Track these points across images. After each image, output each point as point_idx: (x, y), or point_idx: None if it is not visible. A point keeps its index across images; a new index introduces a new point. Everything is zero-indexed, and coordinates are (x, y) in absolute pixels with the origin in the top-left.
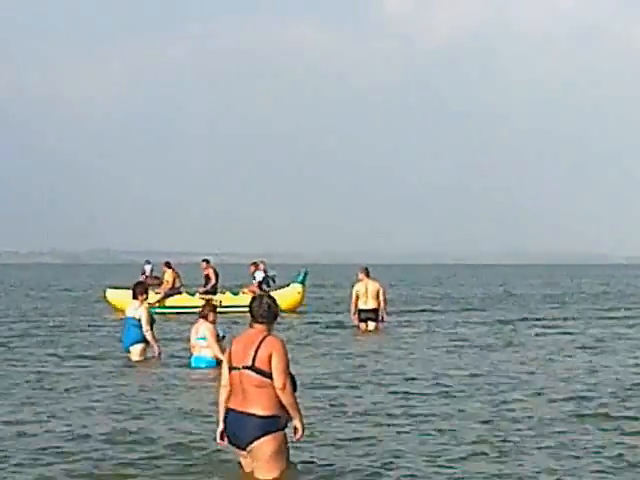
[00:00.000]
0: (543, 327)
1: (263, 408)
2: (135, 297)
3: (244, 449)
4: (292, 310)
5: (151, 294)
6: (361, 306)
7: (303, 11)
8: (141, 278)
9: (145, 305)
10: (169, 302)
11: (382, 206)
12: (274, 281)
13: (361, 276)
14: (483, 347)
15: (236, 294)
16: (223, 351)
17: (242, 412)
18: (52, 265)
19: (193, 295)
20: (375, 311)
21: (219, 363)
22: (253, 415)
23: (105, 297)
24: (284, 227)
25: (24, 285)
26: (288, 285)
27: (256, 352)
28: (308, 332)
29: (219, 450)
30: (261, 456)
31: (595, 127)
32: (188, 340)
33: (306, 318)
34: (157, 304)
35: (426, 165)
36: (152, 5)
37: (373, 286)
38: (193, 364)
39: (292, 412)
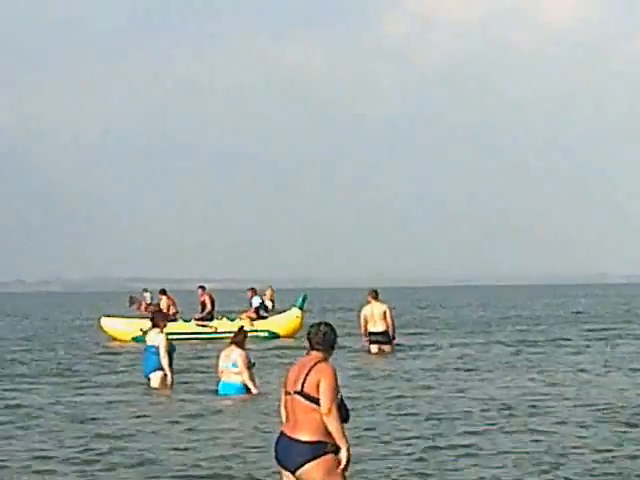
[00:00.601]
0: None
1: (310, 434)
2: (155, 325)
3: (293, 473)
4: (292, 335)
5: (146, 322)
6: (370, 329)
7: (301, 34)
8: (134, 307)
9: (164, 333)
10: (167, 329)
11: (386, 229)
12: (272, 309)
13: (369, 299)
14: (501, 369)
15: (233, 320)
16: (253, 379)
17: (291, 438)
18: (56, 293)
19: (189, 322)
20: (384, 333)
21: (248, 390)
22: (299, 441)
23: (100, 325)
24: (295, 251)
25: (31, 314)
26: (287, 310)
27: (306, 377)
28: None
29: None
30: None
31: (594, 145)
32: (195, 367)
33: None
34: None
35: (423, 187)
36: (147, 40)
37: (380, 308)
38: (221, 391)
39: (337, 439)
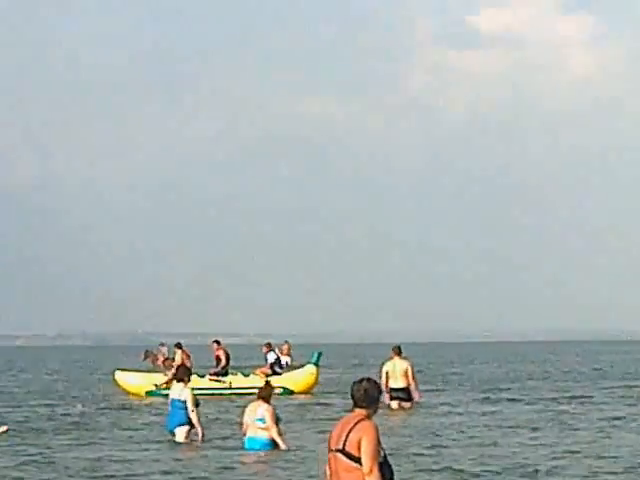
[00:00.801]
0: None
1: None
2: (180, 380)
3: None
4: (306, 391)
5: (160, 376)
6: (391, 385)
7: (319, 88)
8: (147, 361)
9: (189, 387)
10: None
11: (409, 285)
12: (287, 365)
13: (392, 354)
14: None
15: (247, 376)
16: (281, 434)
17: None
18: (80, 347)
19: (203, 377)
20: (405, 390)
21: (275, 445)
22: None
23: (114, 379)
24: (319, 306)
25: (52, 368)
26: (302, 366)
27: (348, 435)
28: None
29: None
30: None
31: (618, 198)
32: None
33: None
34: (165, 385)
35: (443, 239)
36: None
37: (402, 365)
38: (247, 445)
39: None
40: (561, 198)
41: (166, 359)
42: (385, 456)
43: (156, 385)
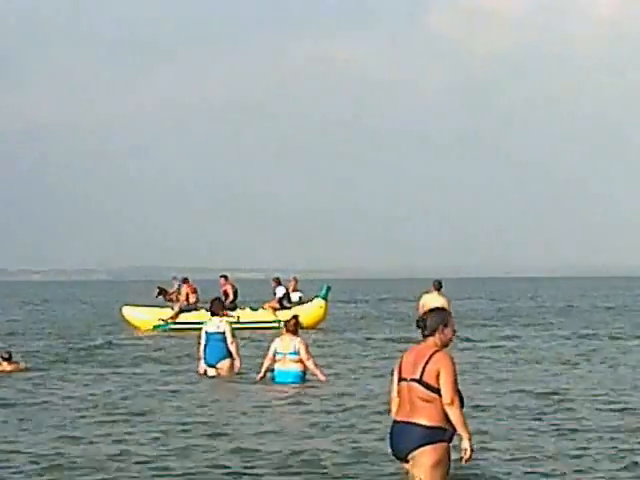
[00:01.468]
0: None
1: (429, 419)
2: (215, 314)
3: (406, 460)
4: (315, 326)
5: (167, 310)
6: None
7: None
8: (161, 297)
9: (226, 320)
10: (183, 318)
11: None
12: (300, 300)
13: (431, 289)
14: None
15: (256, 310)
16: (316, 365)
17: (407, 422)
18: (100, 282)
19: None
20: None
21: (304, 377)
22: (418, 425)
23: (121, 314)
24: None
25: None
26: (310, 300)
27: (425, 366)
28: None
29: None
30: (421, 465)
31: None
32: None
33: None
34: (170, 320)
35: (474, 177)
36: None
37: (437, 301)
38: (278, 378)
39: (460, 429)
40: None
41: (172, 293)
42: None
43: (163, 319)
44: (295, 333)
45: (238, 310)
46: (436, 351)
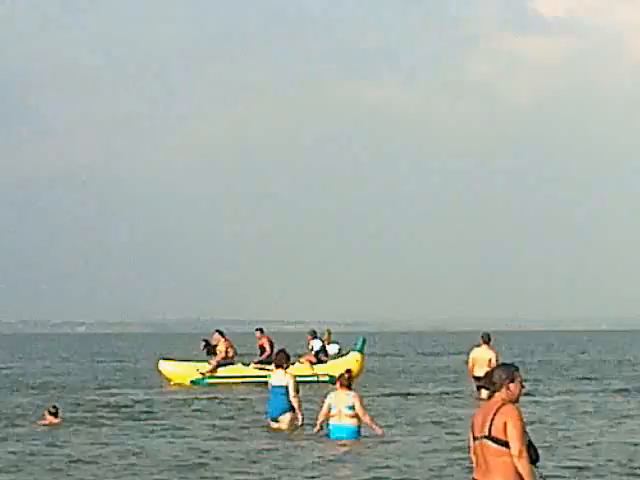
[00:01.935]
0: None
1: (503, 477)
2: (279, 366)
3: None
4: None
5: (204, 364)
6: (477, 373)
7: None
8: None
9: (290, 373)
10: (222, 372)
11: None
12: (339, 353)
13: (480, 342)
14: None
15: (293, 364)
16: (372, 420)
17: None
18: (141, 334)
19: (248, 365)
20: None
21: (360, 432)
22: None
23: (157, 368)
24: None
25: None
26: (347, 354)
27: (492, 421)
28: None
29: None
30: None
31: None
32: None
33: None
34: (208, 374)
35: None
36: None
37: (487, 354)
38: (334, 434)
39: None
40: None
41: (214, 346)
42: (529, 438)
43: (202, 373)
44: (349, 387)
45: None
46: (502, 404)
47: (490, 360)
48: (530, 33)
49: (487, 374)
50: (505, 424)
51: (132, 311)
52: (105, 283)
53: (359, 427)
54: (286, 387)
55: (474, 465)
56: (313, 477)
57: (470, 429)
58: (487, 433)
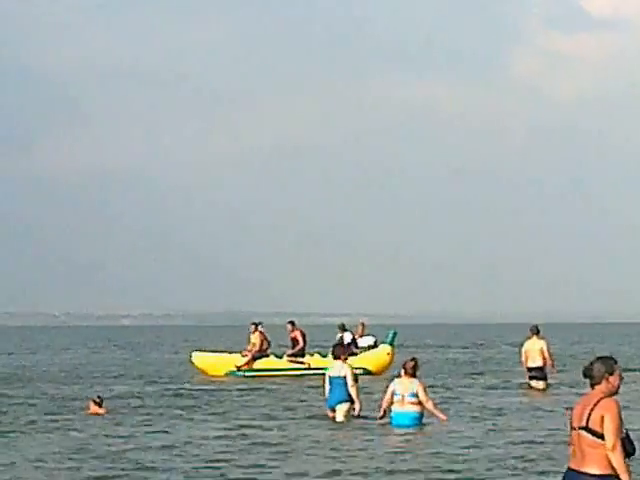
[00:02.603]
0: None
1: (599, 467)
2: (337, 357)
3: None
4: (381, 372)
5: (238, 357)
6: (529, 364)
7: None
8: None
9: (348, 364)
10: (258, 365)
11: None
12: (375, 345)
13: (529, 334)
14: None
15: (325, 356)
16: (436, 406)
17: (579, 471)
18: (183, 326)
19: (281, 358)
20: (540, 369)
21: (422, 419)
22: (587, 474)
23: (191, 360)
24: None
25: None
26: (377, 346)
27: (590, 413)
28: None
29: None
30: None
31: None
32: None
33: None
34: (245, 367)
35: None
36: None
37: (537, 344)
38: (396, 420)
39: (621, 475)
40: None
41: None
42: (627, 432)
43: (237, 366)
44: (414, 375)
45: (307, 356)
46: (602, 398)
47: (541, 350)
48: (577, 31)
49: (587, 367)
50: (602, 417)
51: (175, 304)
52: (148, 276)
53: (421, 414)
54: (344, 377)
55: (570, 454)
56: (375, 467)
57: (570, 418)
58: (584, 424)
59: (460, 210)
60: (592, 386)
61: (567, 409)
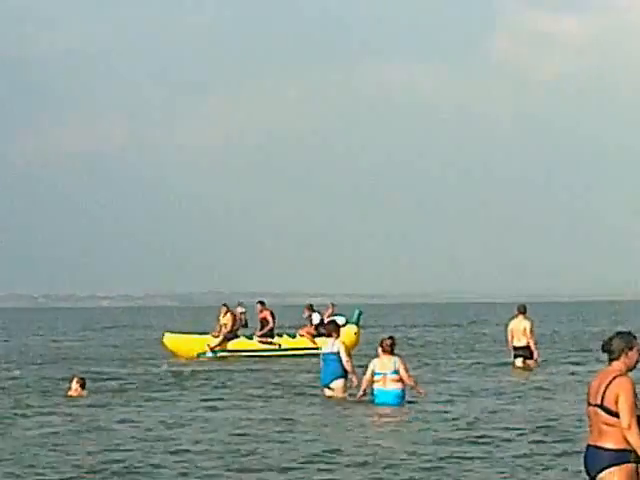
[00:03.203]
0: None
1: (614, 442)
2: (329, 335)
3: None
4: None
5: (209, 338)
6: (515, 343)
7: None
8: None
9: (340, 340)
10: (230, 346)
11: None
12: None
13: (516, 313)
14: None
15: (293, 337)
16: (416, 382)
17: (596, 446)
18: (166, 307)
19: (251, 338)
20: (526, 348)
21: (404, 396)
22: (602, 448)
23: (163, 341)
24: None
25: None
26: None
27: (605, 391)
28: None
29: None
30: None
31: None
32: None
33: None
34: (218, 348)
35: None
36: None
37: (522, 324)
38: (379, 398)
39: (638, 451)
40: None
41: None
42: None
43: (210, 347)
44: (392, 353)
45: (277, 337)
46: (617, 375)
47: (525, 329)
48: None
49: (606, 342)
50: (617, 396)
51: (156, 284)
52: (129, 257)
53: (404, 391)
54: (337, 354)
55: (588, 430)
56: (357, 446)
57: (587, 394)
58: (599, 402)
59: (443, 193)
60: (610, 361)
61: (586, 383)
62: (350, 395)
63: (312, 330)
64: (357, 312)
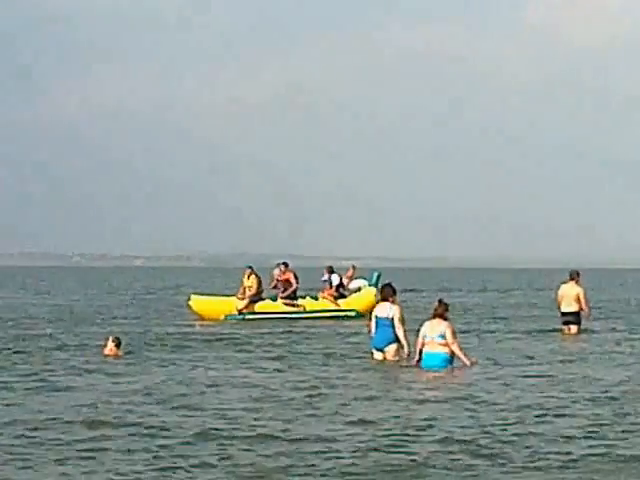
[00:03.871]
0: None
1: None
2: (385, 299)
3: None
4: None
5: (235, 300)
6: (563, 309)
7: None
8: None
9: (397, 305)
10: (257, 308)
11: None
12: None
13: (567, 279)
14: None
15: (315, 299)
16: (461, 349)
17: None
18: (197, 269)
19: (275, 301)
20: (575, 314)
21: (452, 360)
22: None
23: (189, 304)
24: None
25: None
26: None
27: None
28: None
29: None
30: None
31: None
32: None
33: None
34: (245, 310)
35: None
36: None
37: (573, 290)
38: (426, 362)
39: None
40: None
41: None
42: None
43: (238, 310)
44: (442, 317)
45: (300, 299)
46: None
47: (577, 296)
48: None
49: None
50: None
51: (188, 245)
52: (161, 218)
53: (452, 356)
54: (391, 319)
55: None
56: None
57: None
58: None
59: (464, 158)
60: None
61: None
62: (401, 359)
63: (333, 292)
64: (376, 274)
